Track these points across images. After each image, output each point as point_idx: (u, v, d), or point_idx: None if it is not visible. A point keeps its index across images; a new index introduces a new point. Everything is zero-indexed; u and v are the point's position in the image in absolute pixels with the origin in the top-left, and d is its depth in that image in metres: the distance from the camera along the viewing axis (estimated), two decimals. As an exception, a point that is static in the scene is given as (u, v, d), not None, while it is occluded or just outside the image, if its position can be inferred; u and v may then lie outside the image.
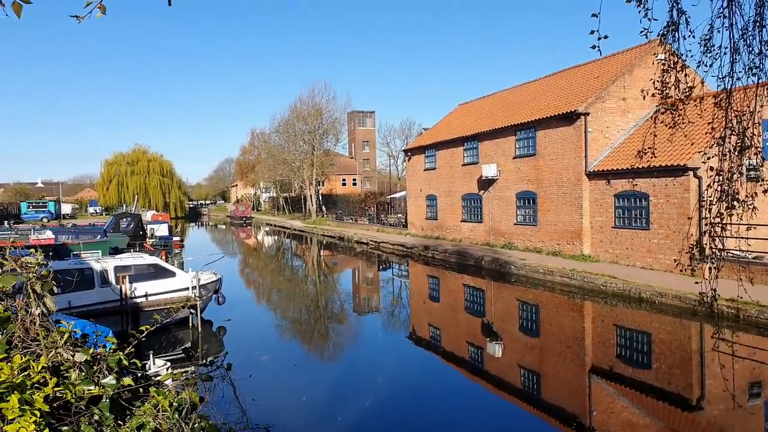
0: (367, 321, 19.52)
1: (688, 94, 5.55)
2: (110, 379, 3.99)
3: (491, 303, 21.21)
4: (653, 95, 6.03)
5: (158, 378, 5.34)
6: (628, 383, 12.07)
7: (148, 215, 49.24)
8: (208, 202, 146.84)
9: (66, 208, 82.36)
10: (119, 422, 3.91)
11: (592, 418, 10.25)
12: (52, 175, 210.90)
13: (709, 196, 5.62)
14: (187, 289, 16.10)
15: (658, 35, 5.79)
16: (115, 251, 20.85)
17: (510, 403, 11.41)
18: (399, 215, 48.24)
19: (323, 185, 76.01)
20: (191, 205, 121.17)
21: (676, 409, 10.65)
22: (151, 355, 10.89)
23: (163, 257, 22.57)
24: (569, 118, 24.64)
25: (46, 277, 4.08)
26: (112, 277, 15.29)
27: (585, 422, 10.08)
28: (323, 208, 67.29)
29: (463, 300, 22.10)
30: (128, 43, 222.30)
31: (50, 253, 17.10)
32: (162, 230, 36.24)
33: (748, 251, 17.23)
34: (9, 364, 3.29)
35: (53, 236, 26.69)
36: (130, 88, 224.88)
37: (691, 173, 19.48)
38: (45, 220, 61.28)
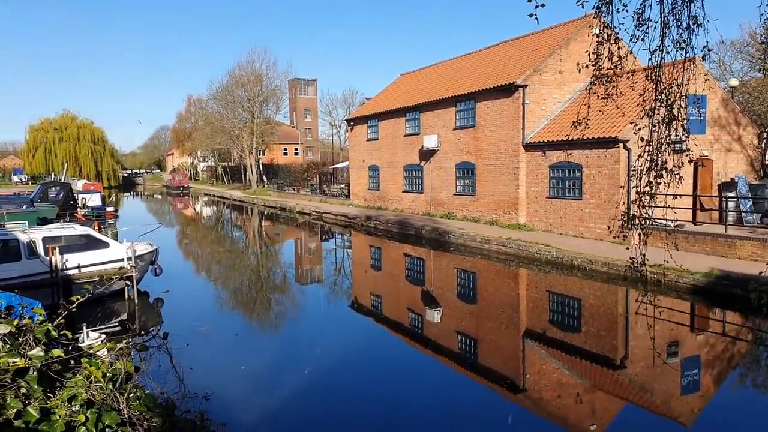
0: (309, 291, 19.53)
1: (619, 65, 5.72)
2: (37, 351, 3.87)
3: (431, 271, 21.58)
4: (587, 67, 6.19)
5: (91, 349, 5.19)
6: (559, 346, 12.63)
7: (79, 184, 47.06)
8: (143, 171, 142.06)
9: (-14, 177, 77.84)
10: (49, 395, 3.80)
11: (525, 380, 10.68)
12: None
13: (640, 166, 5.85)
14: (122, 260, 15.60)
15: (593, 8, 5.92)
16: (44, 221, 19.89)
17: (447, 366, 11.72)
18: (342, 185, 48.07)
19: (264, 154, 74.62)
20: (125, 174, 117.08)
21: (602, 368, 11.27)
22: (84, 327, 10.54)
23: (96, 228, 21.74)
24: (507, 90, 25.00)
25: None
26: (40, 249, 14.61)
27: (519, 383, 10.49)
28: (264, 178, 66.22)
29: (404, 269, 22.38)
30: (55, 2, 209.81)
31: None
32: (94, 200, 34.79)
33: (672, 220, 18.18)
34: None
35: None
36: (57, 50, 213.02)
37: (621, 145, 20.21)
38: (-38, 190, 57.62)
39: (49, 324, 4.38)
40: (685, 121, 5.71)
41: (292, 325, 15.53)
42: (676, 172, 5.61)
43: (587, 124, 6.60)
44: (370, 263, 24.01)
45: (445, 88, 30.89)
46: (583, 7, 5.52)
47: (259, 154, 69.22)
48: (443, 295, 17.88)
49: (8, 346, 3.62)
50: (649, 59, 5.65)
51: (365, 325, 15.17)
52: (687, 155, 5.93)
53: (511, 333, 13.73)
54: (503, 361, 11.81)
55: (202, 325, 14.09)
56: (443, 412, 9.31)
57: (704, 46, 5.41)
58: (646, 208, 6.05)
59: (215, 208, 56.53)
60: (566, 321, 14.82)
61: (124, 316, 14.95)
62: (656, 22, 5.40)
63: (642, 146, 5.89)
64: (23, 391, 3.56)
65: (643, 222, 6.23)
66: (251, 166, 63.54)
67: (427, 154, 30.97)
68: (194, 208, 57.71)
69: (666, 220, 16.82)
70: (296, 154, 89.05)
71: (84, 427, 3.66)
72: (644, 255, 6.11)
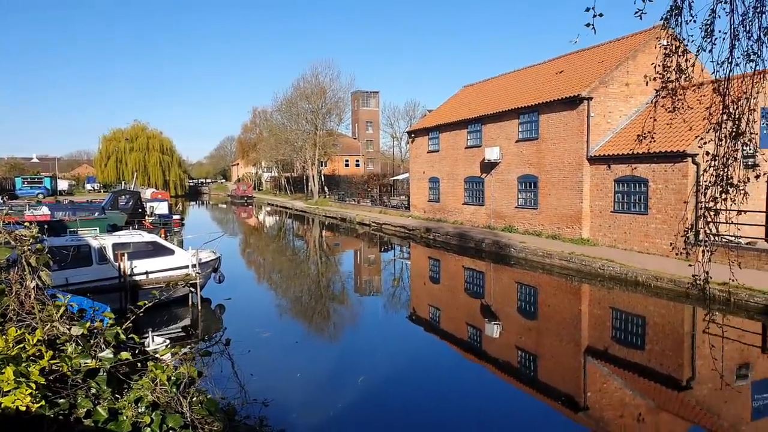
0: (368, 301, 19.63)
1: (687, 77, 5.55)
2: (107, 353, 4.05)
3: (490, 285, 21.32)
4: (654, 79, 6.03)
5: (157, 353, 5.41)
6: (622, 364, 12.22)
7: (147, 193, 49.16)
8: (208, 180, 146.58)
9: (62, 185, 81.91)
10: (117, 395, 3.98)
11: (587, 398, 10.39)
12: (48, 150, 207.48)
13: (705, 181, 5.65)
14: (187, 267, 16.14)
15: (661, 19, 5.78)
16: (114, 228, 20.86)
17: (506, 382, 11.54)
18: (402, 197, 48.22)
19: (326, 166, 75.80)
20: (191, 184, 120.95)
21: (667, 389, 10.82)
22: (150, 332, 10.98)
23: (163, 235, 22.63)
24: (572, 102, 24.52)
25: (41, 251, 4.11)
26: (110, 254, 15.28)
27: (579, 402, 10.22)
28: (326, 188, 67.20)
29: (463, 282, 22.20)
30: (127, 17, 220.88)
31: (46, 230, 17.09)
32: (162, 208, 36.21)
33: (741, 237, 17.38)
34: (3, 336, 3.34)
35: (49, 212, 26.58)
36: (129, 62, 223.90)
37: (689, 159, 19.48)
38: (41, 196, 60.68)
39: (118, 327, 4.60)
40: (755, 136, 5.47)
41: (349, 334, 15.65)
42: (741, 188, 5.38)
43: (653, 137, 6.42)
44: (429, 275, 23.94)
45: (508, 100, 30.58)
46: (641, 18, 5.39)
47: (321, 165, 70.30)
48: (503, 309, 17.62)
49: (80, 347, 3.82)
50: (716, 71, 5.46)
51: (422, 337, 15.11)
52: (754, 171, 5.65)
53: (572, 350, 13.38)
54: (564, 379, 11.51)
55: (263, 331, 14.41)
56: (501, 429, 9.16)
57: (776, 59, 5.19)
58: (711, 224, 5.83)
59: (277, 217, 57.72)
60: (629, 339, 14.30)
61: (188, 322, 15.44)
62: (725, 34, 5.22)
63: (708, 161, 5.68)
64: (93, 391, 3.74)
65: (707, 239, 6.00)
66: (313, 176, 64.58)
67: (488, 167, 30.69)
68: (257, 218, 59.13)
69: (736, 237, 16.04)
70: (357, 165, 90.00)
71: (149, 428, 3.81)
72: (707, 272, 5.87)
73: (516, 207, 28.73)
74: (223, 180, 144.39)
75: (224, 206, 77.47)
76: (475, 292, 20.39)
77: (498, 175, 30.04)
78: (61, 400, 3.48)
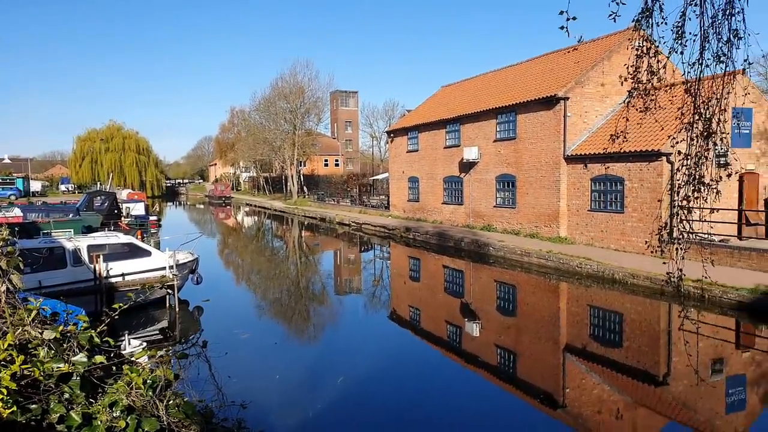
0: (348, 301, 19.61)
1: (659, 79, 5.64)
2: (81, 357, 3.99)
3: (470, 284, 21.43)
4: (626, 80, 6.12)
5: (132, 356, 5.34)
6: (600, 361, 12.38)
7: (123, 194, 48.42)
8: (186, 181, 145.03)
9: (35, 186, 79.97)
10: (91, 400, 3.92)
11: (565, 395, 10.50)
12: (20, 150, 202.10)
13: (678, 180, 5.75)
14: (164, 268, 15.95)
15: (633, 21, 5.87)
16: (89, 230, 20.51)
17: (486, 380, 11.61)
18: (381, 197, 48.24)
19: (305, 165, 75.51)
20: (168, 184, 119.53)
21: (644, 385, 11.01)
22: (126, 335, 10.84)
23: (139, 236, 22.32)
24: (549, 102, 24.76)
25: (12, 254, 4.04)
26: (85, 256, 15.02)
27: (558, 399, 10.32)
28: (305, 188, 66.96)
29: (442, 281, 22.29)
30: (102, 15, 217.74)
31: (17, 231, 16.73)
32: (138, 209, 35.65)
33: (714, 234, 17.79)
34: (-26, 341, 3.28)
35: (21, 214, 26.06)
36: (104, 62, 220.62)
37: (664, 158, 19.81)
38: (13, 197, 59.19)
39: (93, 331, 4.53)
40: (726, 135, 5.60)
41: (329, 334, 15.62)
42: (713, 186, 5.50)
43: (625, 137, 6.52)
44: (409, 275, 23.98)
45: (486, 100, 30.78)
46: (615, 21, 5.48)
47: (300, 165, 70.01)
48: (482, 308, 17.73)
49: (53, 351, 3.76)
50: (688, 72, 5.56)
51: (403, 337, 15.14)
52: (726, 170, 5.78)
53: (550, 347, 13.52)
54: (543, 376, 11.63)
55: (242, 332, 14.31)
56: (481, 427, 9.21)
57: (745, 60, 5.31)
58: (685, 222, 5.94)
59: (256, 218, 57.36)
60: (607, 336, 14.51)
61: (165, 324, 15.27)
62: (696, 36, 5.32)
63: (680, 160, 5.79)
64: (66, 396, 3.68)
65: (680, 236, 6.11)
66: (292, 176, 64.27)
67: (467, 166, 30.86)
68: (235, 218, 58.70)
69: (710, 234, 16.39)
70: (337, 165, 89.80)
71: (124, 433, 3.77)
72: (681, 270, 5.99)
73: (494, 206, 28.93)
74: (201, 180, 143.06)
75: (202, 207, 76.74)
76: (455, 291, 20.49)
77: (476, 174, 30.22)
78: (33, 406, 3.42)
